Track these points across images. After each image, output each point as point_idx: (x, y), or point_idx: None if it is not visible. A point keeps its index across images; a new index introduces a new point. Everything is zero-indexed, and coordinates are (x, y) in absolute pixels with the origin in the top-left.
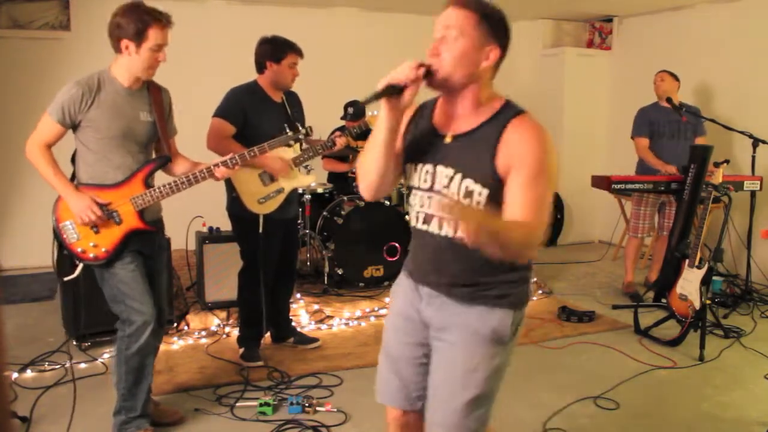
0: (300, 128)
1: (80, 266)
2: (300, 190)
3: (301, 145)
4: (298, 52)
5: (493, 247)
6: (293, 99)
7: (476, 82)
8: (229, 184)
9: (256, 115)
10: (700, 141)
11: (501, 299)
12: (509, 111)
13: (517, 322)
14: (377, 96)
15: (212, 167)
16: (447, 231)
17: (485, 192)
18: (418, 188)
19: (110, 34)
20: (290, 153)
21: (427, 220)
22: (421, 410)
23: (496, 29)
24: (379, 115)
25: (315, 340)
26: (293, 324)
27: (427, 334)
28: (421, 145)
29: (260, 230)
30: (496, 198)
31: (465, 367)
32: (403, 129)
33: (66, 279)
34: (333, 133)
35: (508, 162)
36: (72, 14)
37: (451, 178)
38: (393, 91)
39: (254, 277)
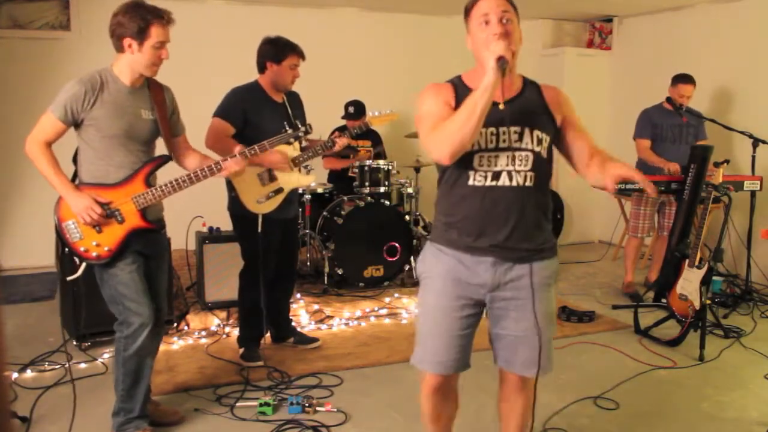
0: (300, 126)
1: (83, 265)
2: (300, 190)
3: (300, 142)
4: (300, 54)
5: None
6: (294, 99)
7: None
8: (229, 184)
9: (256, 115)
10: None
11: (551, 250)
12: (530, 80)
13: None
14: (503, 69)
15: (214, 165)
16: (517, 181)
17: (548, 138)
18: (483, 149)
19: (112, 33)
20: (290, 152)
21: (495, 176)
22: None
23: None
24: (485, 87)
25: (315, 340)
26: (293, 324)
27: (479, 303)
28: None
29: (259, 230)
30: (552, 143)
31: (543, 314)
32: (454, 104)
33: (69, 278)
34: (333, 133)
35: (562, 114)
36: (72, 14)
37: (521, 133)
38: (505, 65)
39: (254, 276)
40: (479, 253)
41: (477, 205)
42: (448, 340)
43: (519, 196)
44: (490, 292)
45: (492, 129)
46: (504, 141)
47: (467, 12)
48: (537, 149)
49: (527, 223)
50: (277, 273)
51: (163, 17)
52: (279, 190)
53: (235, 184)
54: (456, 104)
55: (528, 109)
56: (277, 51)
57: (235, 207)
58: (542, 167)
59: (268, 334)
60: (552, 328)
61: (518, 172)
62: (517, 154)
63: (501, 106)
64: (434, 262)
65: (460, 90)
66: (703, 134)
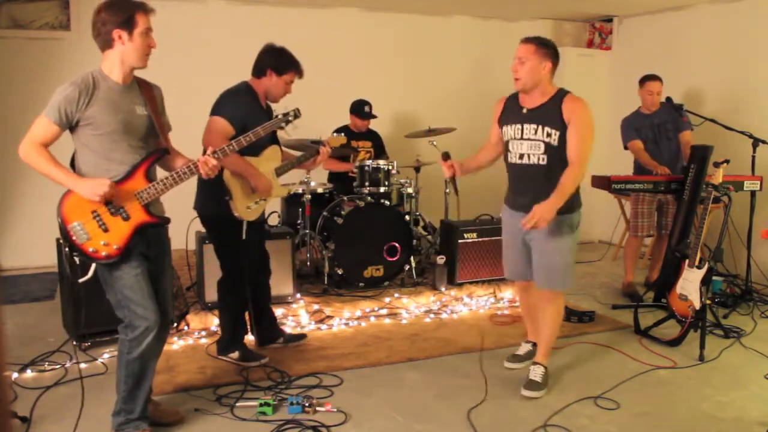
0: (282, 114)
1: (93, 266)
2: (300, 190)
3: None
4: (299, 73)
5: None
6: (269, 110)
7: (540, 83)
8: (223, 188)
9: (254, 121)
10: (686, 135)
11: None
12: (562, 92)
13: None
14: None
15: (209, 155)
16: (533, 161)
17: (557, 134)
18: (513, 138)
19: (98, 32)
20: (271, 166)
21: (521, 157)
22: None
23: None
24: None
25: (303, 336)
26: (278, 323)
27: (524, 237)
28: (511, 114)
29: (243, 236)
30: (563, 138)
31: (553, 249)
32: (499, 115)
33: (81, 281)
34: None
35: (568, 118)
36: (72, 14)
37: (536, 129)
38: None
39: (238, 283)
40: (516, 209)
41: (512, 175)
42: (513, 261)
43: (535, 172)
44: (525, 234)
45: (518, 125)
46: (526, 133)
47: (555, 55)
48: (546, 140)
49: (539, 189)
50: (256, 269)
51: (142, 6)
52: (264, 199)
53: (232, 189)
54: (501, 114)
55: (543, 114)
56: (281, 62)
57: (224, 211)
58: (553, 153)
59: (251, 337)
60: (562, 258)
61: (534, 154)
62: (533, 143)
63: (524, 110)
64: (503, 215)
65: (509, 103)
66: (684, 125)
